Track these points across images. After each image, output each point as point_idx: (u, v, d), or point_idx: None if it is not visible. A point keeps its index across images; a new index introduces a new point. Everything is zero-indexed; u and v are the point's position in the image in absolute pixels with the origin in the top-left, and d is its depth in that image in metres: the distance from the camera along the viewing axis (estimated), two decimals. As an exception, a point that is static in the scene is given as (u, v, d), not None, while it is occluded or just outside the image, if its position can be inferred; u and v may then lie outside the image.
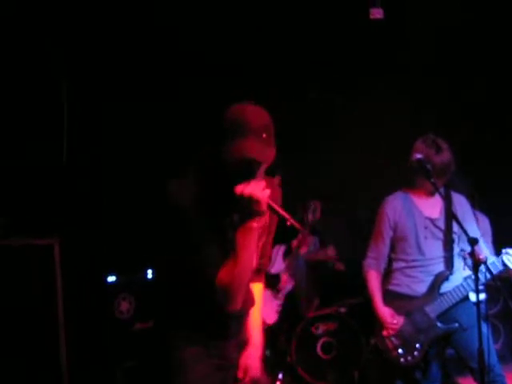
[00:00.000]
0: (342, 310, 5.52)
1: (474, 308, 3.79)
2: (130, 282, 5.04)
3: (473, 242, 3.59)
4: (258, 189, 2.57)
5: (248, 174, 2.61)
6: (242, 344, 3.01)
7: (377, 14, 5.53)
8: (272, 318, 5.41)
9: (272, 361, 5.41)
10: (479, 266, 3.62)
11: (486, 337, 3.77)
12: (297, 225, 2.62)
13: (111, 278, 4.97)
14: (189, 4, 5.05)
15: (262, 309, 3.11)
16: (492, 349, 3.96)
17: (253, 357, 3.03)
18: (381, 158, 5.25)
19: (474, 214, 4.45)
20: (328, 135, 5.58)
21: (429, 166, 3.98)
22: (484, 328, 3.78)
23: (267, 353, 5.38)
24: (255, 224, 2.63)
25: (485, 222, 4.95)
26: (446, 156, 4.09)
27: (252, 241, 2.66)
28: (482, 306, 4.81)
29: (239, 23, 5.22)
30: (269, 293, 5.32)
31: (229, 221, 2.73)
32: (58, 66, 5.09)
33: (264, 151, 2.62)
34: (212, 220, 2.69)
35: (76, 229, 4.97)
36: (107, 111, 5.19)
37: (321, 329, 5.46)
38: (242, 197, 2.57)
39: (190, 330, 2.81)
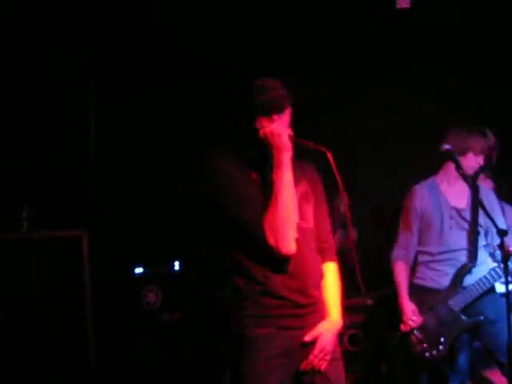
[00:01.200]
0: (369, 301, 5.48)
1: (502, 300, 3.76)
2: (157, 274, 5.06)
3: (503, 233, 3.55)
4: (278, 126, 2.81)
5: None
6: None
7: (403, 3, 5.48)
8: None
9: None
10: (509, 258, 3.56)
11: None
12: (321, 148, 2.84)
13: (138, 270, 4.99)
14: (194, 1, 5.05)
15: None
16: None
17: (329, 336, 3.00)
18: (405, 146, 5.21)
19: (501, 207, 4.40)
20: (350, 123, 5.55)
21: (457, 157, 3.94)
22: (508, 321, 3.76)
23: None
24: (286, 160, 2.80)
25: (511, 214, 4.89)
26: (492, 138, 4.16)
27: (287, 177, 2.80)
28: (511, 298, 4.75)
29: (253, 17, 5.20)
30: None
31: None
32: (85, 65, 5.17)
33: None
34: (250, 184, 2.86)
35: (103, 221, 5.02)
36: (134, 105, 5.23)
37: (347, 321, 5.44)
38: (265, 135, 2.81)
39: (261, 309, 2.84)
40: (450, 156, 3.93)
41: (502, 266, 3.84)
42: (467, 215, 4.19)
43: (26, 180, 4.89)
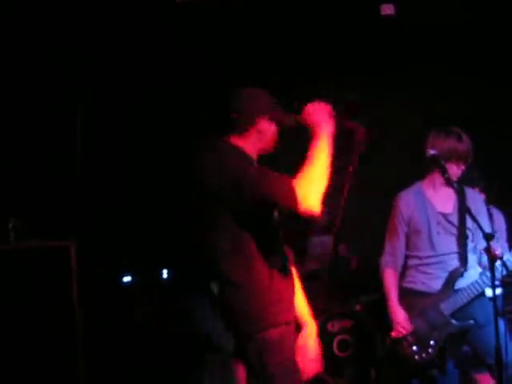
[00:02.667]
0: (358, 307, 5.51)
1: (491, 304, 3.72)
2: (146, 282, 5.06)
3: (489, 237, 3.54)
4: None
5: None
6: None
7: (388, 9, 5.51)
8: None
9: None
10: (495, 261, 3.58)
11: (503, 333, 3.78)
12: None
13: (127, 279, 4.98)
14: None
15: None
16: (510, 345, 3.92)
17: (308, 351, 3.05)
18: (393, 156, 5.23)
19: (488, 210, 4.42)
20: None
21: (443, 162, 3.94)
22: (501, 324, 3.77)
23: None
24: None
25: (499, 217, 4.92)
26: (467, 143, 4.10)
27: (325, 144, 2.88)
28: (499, 302, 4.78)
29: (251, 21, 5.21)
30: None
31: None
32: (72, 76, 5.15)
33: None
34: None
35: (92, 230, 4.99)
36: (121, 116, 5.25)
37: (336, 326, 5.46)
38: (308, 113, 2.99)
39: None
40: (436, 162, 3.93)
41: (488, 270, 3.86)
42: (454, 220, 4.17)
43: (12, 190, 4.88)
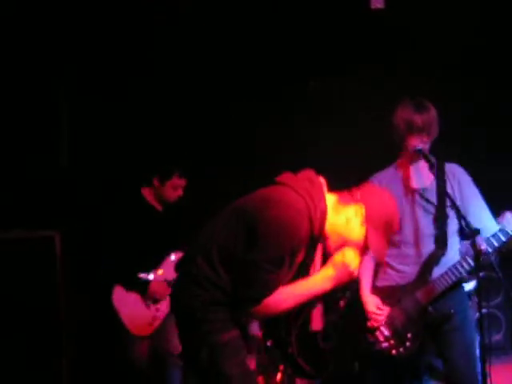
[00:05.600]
0: (342, 301, 5.46)
1: (467, 300, 3.89)
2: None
3: (475, 232, 3.48)
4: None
5: None
6: None
7: (377, 3, 5.51)
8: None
9: (273, 352, 5.43)
10: (480, 257, 3.53)
11: (470, 341, 3.82)
12: None
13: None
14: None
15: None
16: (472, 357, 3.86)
17: None
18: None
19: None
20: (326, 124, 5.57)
21: (424, 148, 3.84)
22: (473, 330, 3.84)
23: (267, 344, 5.40)
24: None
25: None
26: (427, 114, 3.91)
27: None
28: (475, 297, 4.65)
29: (236, 16, 5.30)
30: None
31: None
32: (57, 69, 5.33)
33: None
34: None
35: (76, 220, 5.19)
36: (106, 111, 5.47)
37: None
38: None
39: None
40: (424, 156, 3.85)
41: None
42: (431, 197, 3.92)
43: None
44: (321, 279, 3.09)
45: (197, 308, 3.05)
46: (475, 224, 3.60)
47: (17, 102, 5.19)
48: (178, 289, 3.21)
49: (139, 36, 5.36)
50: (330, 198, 3.08)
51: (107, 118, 5.42)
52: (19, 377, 4.80)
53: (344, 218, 3.06)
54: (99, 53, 5.37)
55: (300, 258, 3.10)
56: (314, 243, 3.10)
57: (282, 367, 5.39)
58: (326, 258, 3.19)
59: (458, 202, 3.82)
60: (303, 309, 5.26)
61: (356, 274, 3.14)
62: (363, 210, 3.06)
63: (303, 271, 3.20)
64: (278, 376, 5.41)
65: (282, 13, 5.45)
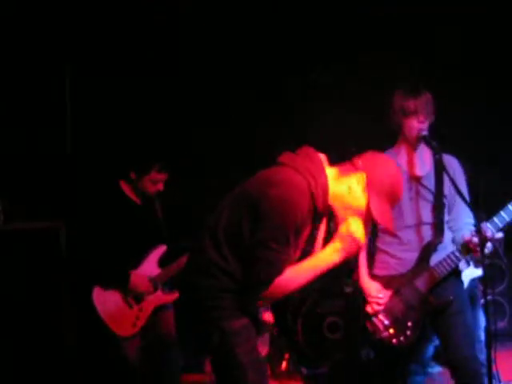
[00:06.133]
0: (349, 289, 5.47)
1: (464, 291, 3.87)
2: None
3: (480, 218, 3.50)
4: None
5: None
6: None
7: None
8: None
9: (279, 340, 5.45)
10: (485, 244, 3.53)
11: (470, 324, 3.82)
12: None
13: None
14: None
15: None
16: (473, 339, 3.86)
17: None
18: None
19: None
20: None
21: (433, 142, 3.83)
22: (469, 315, 3.84)
23: (274, 332, 5.42)
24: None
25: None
26: (416, 97, 3.88)
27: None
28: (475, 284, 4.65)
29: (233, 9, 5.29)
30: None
31: None
32: (62, 53, 5.22)
33: None
34: None
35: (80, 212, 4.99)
36: (111, 98, 5.39)
37: (326, 308, 5.44)
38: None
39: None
40: (428, 142, 3.85)
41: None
42: (430, 184, 3.88)
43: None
44: (329, 253, 3.02)
45: (206, 296, 3.07)
46: (456, 218, 3.78)
47: (21, 91, 5.14)
48: (187, 277, 3.20)
49: (139, 36, 5.34)
50: (331, 171, 3.05)
51: (109, 113, 5.37)
52: (20, 367, 4.71)
53: (345, 187, 3.02)
54: (100, 52, 5.34)
55: (306, 234, 3.09)
56: (319, 218, 3.08)
57: (287, 356, 5.41)
58: (331, 235, 3.13)
59: (447, 192, 3.88)
60: (307, 296, 5.31)
61: (363, 242, 3.09)
62: (364, 177, 3.01)
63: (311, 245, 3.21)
64: (284, 364, 5.43)
65: (281, 12, 5.42)
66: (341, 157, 3.17)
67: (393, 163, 3.19)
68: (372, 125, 4.71)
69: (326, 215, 3.11)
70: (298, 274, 2.99)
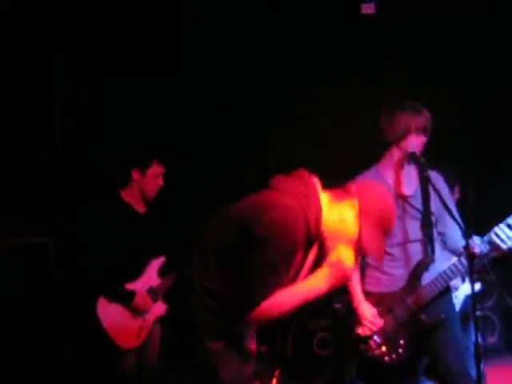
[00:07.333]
0: (338, 305, 5.47)
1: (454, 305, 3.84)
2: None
3: (468, 235, 3.49)
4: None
5: None
6: None
7: (368, 9, 5.52)
8: None
9: (268, 357, 5.41)
10: (473, 260, 3.49)
11: (460, 339, 3.81)
12: None
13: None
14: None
15: None
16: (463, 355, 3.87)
17: None
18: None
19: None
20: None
21: (422, 158, 3.83)
22: (458, 330, 3.83)
23: (263, 349, 5.39)
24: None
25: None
26: (424, 115, 3.92)
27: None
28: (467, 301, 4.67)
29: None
30: None
31: None
32: (54, 57, 5.16)
33: None
34: None
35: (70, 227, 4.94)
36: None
37: (316, 324, 5.43)
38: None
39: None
40: (415, 160, 3.85)
41: (459, 261, 3.82)
42: (417, 203, 3.88)
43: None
44: (316, 280, 2.97)
45: (190, 314, 3.02)
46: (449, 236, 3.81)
47: (9, 98, 5.05)
48: (175, 293, 3.19)
49: (139, 36, 5.30)
50: (324, 196, 3.02)
51: (109, 113, 5.31)
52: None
53: (337, 214, 2.98)
54: (97, 51, 5.28)
55: (298, 259, 3.05)
56: (310, 243, 3.06)
57: (277, 373, 5.38)
58: (320, 260, 3.12)
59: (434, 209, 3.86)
60: (298, 312, 5.29)
61: (352, 272, 3.07)
62: (357, 205, 2.97)
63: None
64: (274, 382, 5.39)
65: (280, 13, 5.42)
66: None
67: (385, 191, 3.15)
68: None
69: (317, 242, 3.06)
70: (283, 299, 2.94)
